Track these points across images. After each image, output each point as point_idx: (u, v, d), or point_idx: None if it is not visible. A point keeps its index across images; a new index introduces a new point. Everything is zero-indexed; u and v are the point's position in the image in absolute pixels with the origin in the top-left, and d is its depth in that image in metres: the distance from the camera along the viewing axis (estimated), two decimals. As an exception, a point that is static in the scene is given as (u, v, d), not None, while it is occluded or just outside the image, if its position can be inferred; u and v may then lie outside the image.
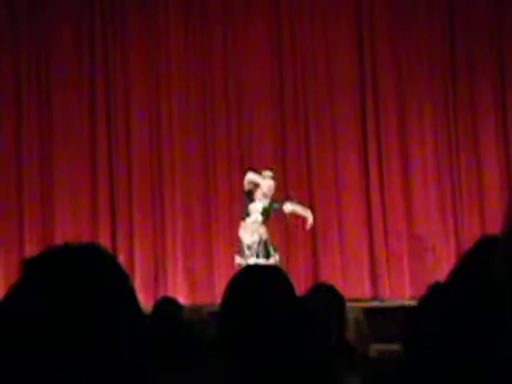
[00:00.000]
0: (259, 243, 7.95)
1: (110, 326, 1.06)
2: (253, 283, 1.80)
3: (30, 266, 1.09)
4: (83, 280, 1.07)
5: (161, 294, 8.31)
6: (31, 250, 9.56)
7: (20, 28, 9.98)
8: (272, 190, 7.99)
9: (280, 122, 9.88)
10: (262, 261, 7.83)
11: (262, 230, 7.96)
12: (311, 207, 8.66)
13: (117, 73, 9.99)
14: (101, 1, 10.03)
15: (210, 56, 9.95)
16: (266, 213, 8.00)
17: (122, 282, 1.11)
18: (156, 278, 9.73)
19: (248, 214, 7.99)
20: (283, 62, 9.92)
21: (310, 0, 9.96)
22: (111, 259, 1.12)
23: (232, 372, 1.72)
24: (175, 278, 9.68)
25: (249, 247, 7.96)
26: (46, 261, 1.09)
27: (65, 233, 9.59)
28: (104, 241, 9.67)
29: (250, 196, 7.97)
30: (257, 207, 8.00)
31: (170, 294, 8.81)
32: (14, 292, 1.08)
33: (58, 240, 9.38)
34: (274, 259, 7.95)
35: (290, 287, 1.81)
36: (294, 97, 9.89)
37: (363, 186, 9.78)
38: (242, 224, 8.03)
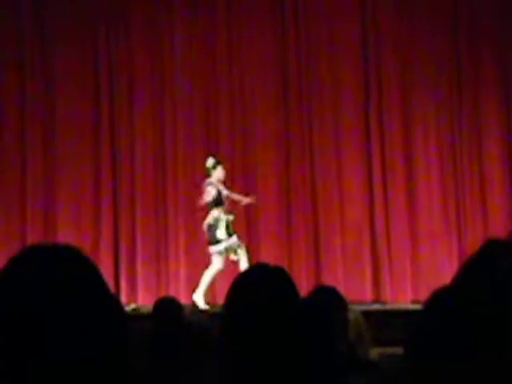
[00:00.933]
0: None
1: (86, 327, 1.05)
2: (257, 283, 1.79)
3: (9, 266, 1.09)
4: (58, 280, 1.06)
5: (162, 294, 8.29)
6: (33, 241, 9.55)
7: (24, 27, 9.97)
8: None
9: (283, 124, 9.87)
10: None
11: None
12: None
13: (121, 72, 9.97)
14: (106, 5, 10.03)
15: (214, 57, 9.93)
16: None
17: (100, 286, 1.11)
18: (158, 278, 9.72)
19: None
20: (288, 63, 9.91)
21: (314, 1, 9.95)
22: (90, 263, 1.12)
23: (234, 372, 1.71)
24: (177, 278, 9.66)
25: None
26: (23, 261, 1.09)
27: (67, 232, 9.58)
28: (106, 240, 9.67)
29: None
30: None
31: (172, 294, 8.80)
32: None
33: (60, 239, 9.37)
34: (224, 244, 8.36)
35: (294, 288, 1.79)
36: (298, 99, 9.87)
37: (366, 189, 9.76)
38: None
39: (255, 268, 1.88)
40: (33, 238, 9.67)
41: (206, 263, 8.74)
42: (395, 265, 9.59)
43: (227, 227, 8.41)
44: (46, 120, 9.94)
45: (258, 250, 9.59)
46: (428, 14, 9.75)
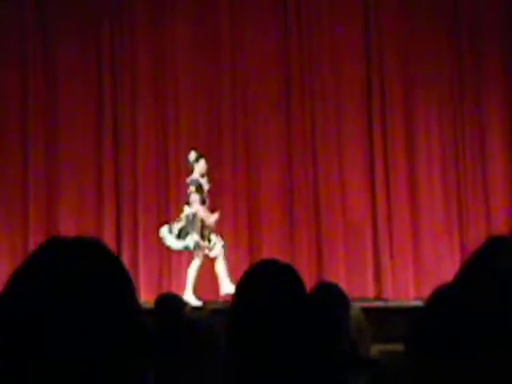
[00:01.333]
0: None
1: (110, 322, 1.05)
2: (266, 280, 1.79)
3: (36, 256, 1.09)
4: (87, 274, 1.06)
5: (165, 290, 8.30)
6: (35, 243, 9.56)
7: (27, 24, 9.97)
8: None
9: (286, 124, 9.87)
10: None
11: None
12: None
13: (124, 71, 9.97)
14: (109, 1, 10.02)
15: (217, 55, 9.92)
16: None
17: (123, 278, 1.11)
18: (160, 275, 9.73)
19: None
20: (290, 63, 9.90)
21: (317, 2, 9.94)
22: (113, 255, 1.12)
23: (238, 369, 1.71)
24: (179, 275, 9.67)
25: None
26: (51, 252, 1.09)
27: (69, 227, 9.59)
28: (108, 237, 9.67)
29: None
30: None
31: (174, 290, 8.80)
32: (18, 281, 1.07)
33: (63, 231, 9.39)
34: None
35: (302, 285, 1.79)
36: (301, 98, 9.86)
37: (368, 187, 9.76)
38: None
39: (264, 264, 1.87)
40: (35, 231, 9.68)
41: (209, 260, 8.73)
42: (397, 262, 9.59)
43: (202, 227, 8.46)
44: (49, 117, 9.94)
45: (261, 247, 9.60)
46: (429, 14, 9.73)
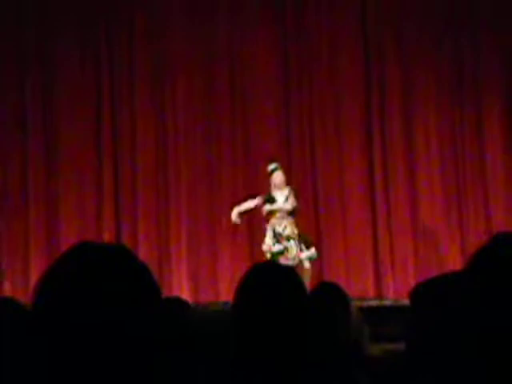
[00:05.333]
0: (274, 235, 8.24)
1: (138, 329, 1.07)
2: (266, 282, 1.80)
3: (59, 264, 1.10)
4: (115, 279, 1.09)
5: (165, 293, 8.30)
6: (36, 251, 9.56)
7: (24, 23, 9.93)
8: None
9: (285, 122, 9.88)
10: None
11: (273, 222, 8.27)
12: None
13: (122, 73, 9.96)
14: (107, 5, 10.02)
15: (216, 54, 9.90)
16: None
17: (151, 283, 1.13)
18: (160, 278, 9.73)
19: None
20: (289, 61, 9.92)
21: (316, 2, 9.94)
22: (140, 261, 1.14)
23: (240, 369, 1.72)
24: (179, 278, 9.68)
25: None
26: (82, 258, 1.10)
27: (69, 234, 9.57)
28: (108, 239, 9.66)
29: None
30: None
31: (174, 293, 8.81)
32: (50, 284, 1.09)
33: (63, 242, 9.37)
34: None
35: (301, 285, 1.80)
36: (299, 96, 9.88)
37: (368, 185, 9.78)
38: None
39: (263, 266, 1.88)
40: (36, 239, 9.67)
41: (209, 263, 8.76)
42: (397, 261, 9.61)
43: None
44: (47, 118, 9.87)
45: (260, 248, 9.60)
46: (428, 14, 9.75)
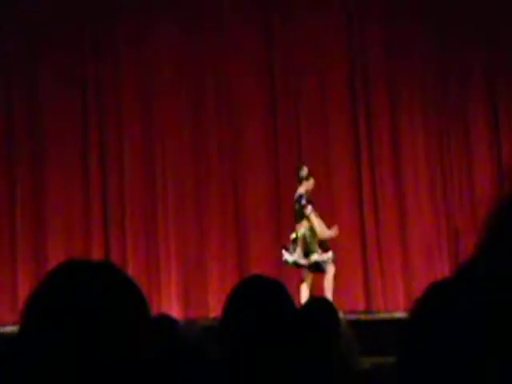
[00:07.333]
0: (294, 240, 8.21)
1: (126, 343, 1.07)
2: (253, 295, 1.79)
3: (46, 281, 1.10)
4: (102, 295, 1.08)
5: (154, 308, 8.28)
6: (23, 267, 9.52)
7: (8, 32, 9.91)
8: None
9: (272, 132, 9.91)
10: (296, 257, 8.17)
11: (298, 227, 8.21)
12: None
13: (109, 96, 9.95)
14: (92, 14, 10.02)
15: (203, 65, 9.93)
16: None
17: (137, 299, 1.13)
18: (149, 293, 9.68)
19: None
20: (275, 75, 9.96)
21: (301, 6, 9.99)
22: (127, 277, 1.14)
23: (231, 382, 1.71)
24: (168, 293, 9.64)
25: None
26: (67, 276, 1.10)
27: (57, 249, 9.53)
28: (97, 256, 9.63)
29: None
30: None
31: (164, 308, 8.78)
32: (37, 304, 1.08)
33: (51, 259, 9.33)
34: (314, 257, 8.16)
35: (289, 299, 1.80)
36: (286, 105, 9.92)
37: (356, 198, 9.80)
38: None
39: (251, 280, 1.87)
40: (23, 256, 9.63)
41: (199, 277, 8.72)
42: (387, 274, 9.61)
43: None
44: (34, 130, 9.85)
45: (249, 259, 9.59)
46: (415, 21, 9.82)
